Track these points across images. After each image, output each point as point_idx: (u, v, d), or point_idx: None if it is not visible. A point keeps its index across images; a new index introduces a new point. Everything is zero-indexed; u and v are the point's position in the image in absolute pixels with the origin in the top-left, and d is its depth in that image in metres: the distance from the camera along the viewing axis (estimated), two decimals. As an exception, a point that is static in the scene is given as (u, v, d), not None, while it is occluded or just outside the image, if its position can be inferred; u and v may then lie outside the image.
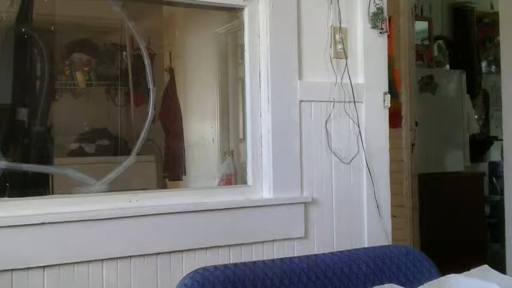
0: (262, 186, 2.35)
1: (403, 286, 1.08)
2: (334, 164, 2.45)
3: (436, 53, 5.38)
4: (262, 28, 2.37)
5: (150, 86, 2.63)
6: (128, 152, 2.57)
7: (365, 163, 2.51)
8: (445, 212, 4.21)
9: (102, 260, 1.97)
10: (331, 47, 2.47)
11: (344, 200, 2.47)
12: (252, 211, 2.26)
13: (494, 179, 5.21)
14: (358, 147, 2.50)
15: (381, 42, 2.60)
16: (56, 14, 3.50)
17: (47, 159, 3.09)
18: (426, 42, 5.25)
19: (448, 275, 1.11)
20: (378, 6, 2.56)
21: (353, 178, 2.50)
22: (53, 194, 2.63)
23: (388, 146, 2.60)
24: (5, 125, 2.89)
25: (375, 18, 2.55)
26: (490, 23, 5.50)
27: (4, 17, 2.75)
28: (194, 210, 2.15)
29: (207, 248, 2.16)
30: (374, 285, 1.13)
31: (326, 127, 2.44)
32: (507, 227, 3.45)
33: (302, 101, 2.39)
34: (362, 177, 2.52)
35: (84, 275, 1.94)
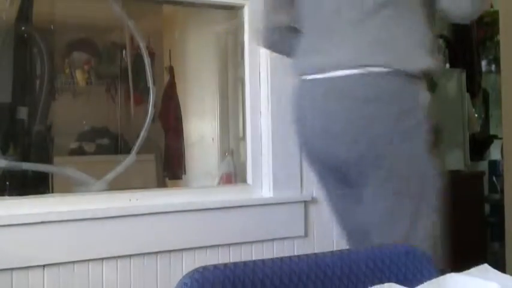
0: (262, 185, 2.34)
1: (402, 285, 1.08)
2: (334, 163, 2.45)
3: (436, 52, 5.37)
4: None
5: (150, 84, 2.64)
6: (127, 151, 2.58)
7: (365, 162, 2.51)
8: (444, 211, 4.20)
9: (102, 259, 1.97)
10: (331, 46, 2.47)
11: (344, 199, 2.47)
12: (251, 210, 2.26)
13: (494, 178, 5.21)
14: (358, 146, 2.50)
15: (380, 41, 2.60)
16: (55, 13, 3.50)
17: (46, 158, 3.10)
18: (426, 41, 5.25)
19: (448, 274, 1.10)
20: (378, 5, 2.55)
21: (353, 177, 2.50)
22: (53, 193, 2.63)
23: (388, 145, 2.60)
24: (5, 123, 2.90)
25: (375, 17, 2.54)
26: (490, 22, 5.50)
27: (4, 17, 2.75)
28: (194, 209, 2.15)
29: (206, 247, 2.16)
30: (374, 285, 1.12)
31: (326, 126, 2.44)
32: (507, 226, 3.45)
33: (302, 100, 2.39)
34: (362, 176, 2.51)
35: (84, 274, 1.94)
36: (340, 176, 1.61)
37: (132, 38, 3.70)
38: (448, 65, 5.38)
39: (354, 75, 1.47)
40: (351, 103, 1.49)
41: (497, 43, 3.79)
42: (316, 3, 1.59)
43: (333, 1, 1.55)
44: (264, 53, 2.35)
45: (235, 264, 1.09)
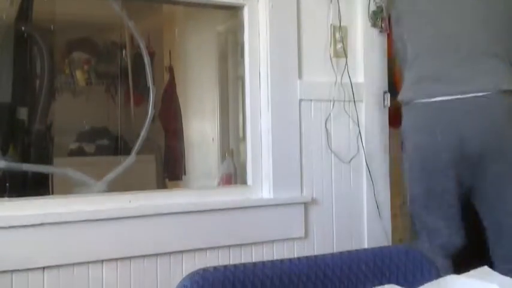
0: (262, 186, 2.34)
1: (402, 287, 1.08)
2: (334, 164, 2.45)
3: (436, 51, 5.36)
4: (262, 27, 2.36)
5: (150, 84, 2.63)
6: (127, 152, 2.57)
7: (365, 163, 2.51)
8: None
9: (102, 260, 1.97)
10: (331, 46, 2.47)
11: (344, 200, 2.47)
12: (251, 211, 2.26)
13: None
14: (358, 146, 2.50)
15: (380, 41, 2.59)
16: (55, 13, 3.49)
17: (46, 159, 3.09)
18: (426, 41, 5.23)
19: (448, 276, 1.10)
20: (378, 4, 2.55)
21: (353, 178, 2.50)
22: (52, 194, 2.63)
23: (388, 145, 2.60)
24: (5, 124, 2.89)
25: (375, 17, 2.54)
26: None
27: (4, 16, 2.75)
28: (194, 211, 2.15)
29: (206, 248, 2.16)
30: (374, 286, 1.12)
31: (326, 126, 2.44)
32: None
33: (302, 100, 2.39)
34: (362, 177, 2.51)
35: (83, 275, 1.93)
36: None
37: (132, 38, 3.70)
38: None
39: (491, 95, 2.06)
40: (493, 117, 2.08)
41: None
42: (449, 44, 2.18)
43: (467, 41, 2.15)
44: (263, 53, 2.35)
45: (235, 266, 1.09)
